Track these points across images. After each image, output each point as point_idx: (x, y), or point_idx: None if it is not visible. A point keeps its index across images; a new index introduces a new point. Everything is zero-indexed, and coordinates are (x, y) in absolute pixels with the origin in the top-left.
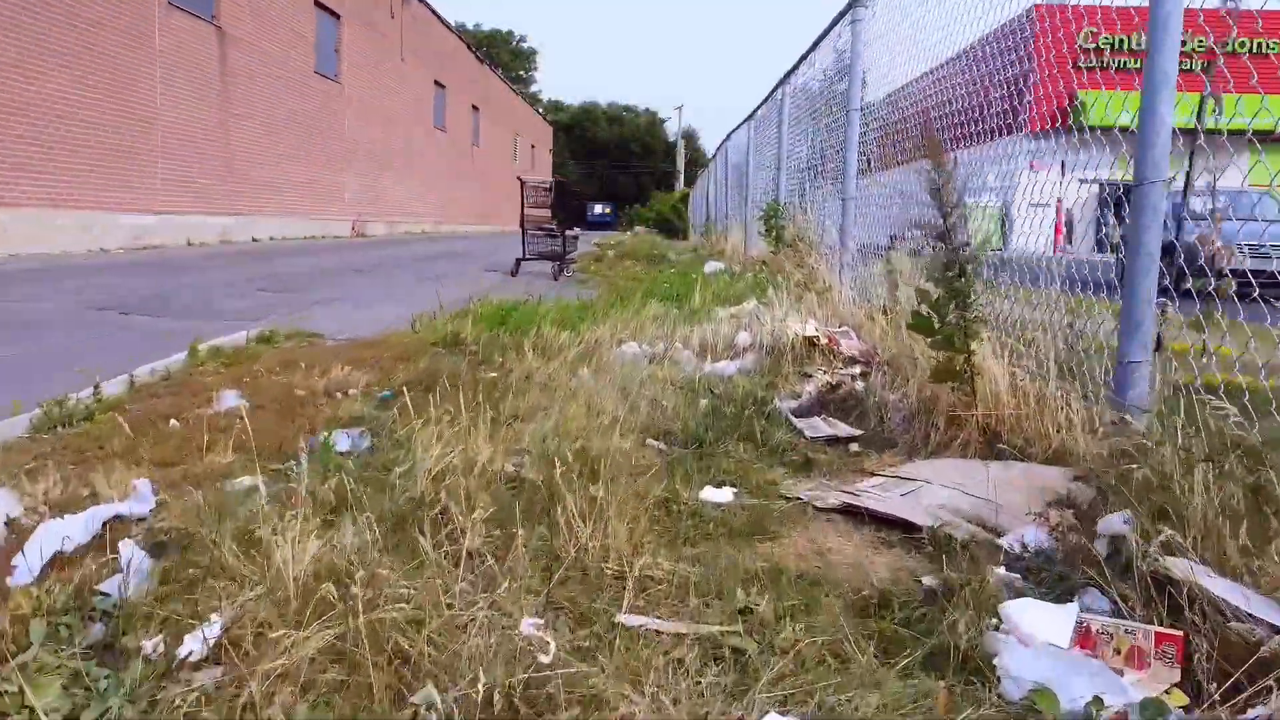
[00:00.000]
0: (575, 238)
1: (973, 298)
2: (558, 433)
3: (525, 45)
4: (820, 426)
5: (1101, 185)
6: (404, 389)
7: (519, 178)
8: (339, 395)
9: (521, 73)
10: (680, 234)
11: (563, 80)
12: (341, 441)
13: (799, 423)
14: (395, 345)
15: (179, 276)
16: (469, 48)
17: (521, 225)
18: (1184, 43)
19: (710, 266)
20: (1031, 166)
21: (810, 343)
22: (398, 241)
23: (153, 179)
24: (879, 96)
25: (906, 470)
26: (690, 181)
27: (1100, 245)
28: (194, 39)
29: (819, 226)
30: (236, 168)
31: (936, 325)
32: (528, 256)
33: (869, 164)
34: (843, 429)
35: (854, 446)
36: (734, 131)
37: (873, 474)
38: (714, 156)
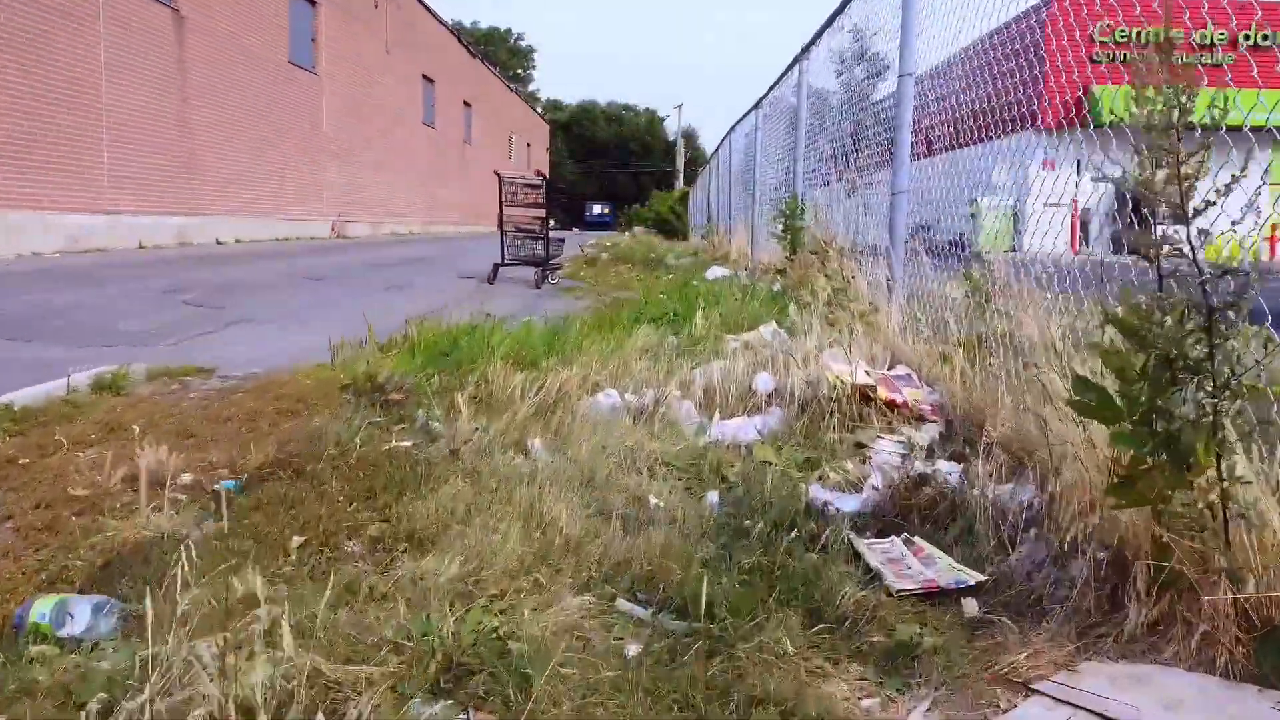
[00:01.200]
0: (560, 241)
1: (1234, 374)
2: (464, 586)
3: (523, 43)
4: (906, 561)
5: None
6: (264, 473)
7: (496, 172)
8: (157, 490)
9: (519, 71)
10: (679, 235)
11: (561, 80)
12: (74, 617)
13: (872, 554)
14: (294, 390)
15: (96, 287)
16: (460, 42)
17: (500, 227)
18: None
19: (713, 272)
20: (1045, 165)
21: (864, 395)
22: (377, 243)
23: (98, 175)
24: (943, 58)
25: (1095, 686)
26: (690, 181)
27: (1117, 245)
28: (146, 22)
29: (852, 226)
30: (197, 164)
31: (1135, 411)
32: (507, 261)
33: (929, 146)
34: (947, 570)
35: (970, 605)
36: (739, 122)
37: (1029, 687)
38: (716, 152)
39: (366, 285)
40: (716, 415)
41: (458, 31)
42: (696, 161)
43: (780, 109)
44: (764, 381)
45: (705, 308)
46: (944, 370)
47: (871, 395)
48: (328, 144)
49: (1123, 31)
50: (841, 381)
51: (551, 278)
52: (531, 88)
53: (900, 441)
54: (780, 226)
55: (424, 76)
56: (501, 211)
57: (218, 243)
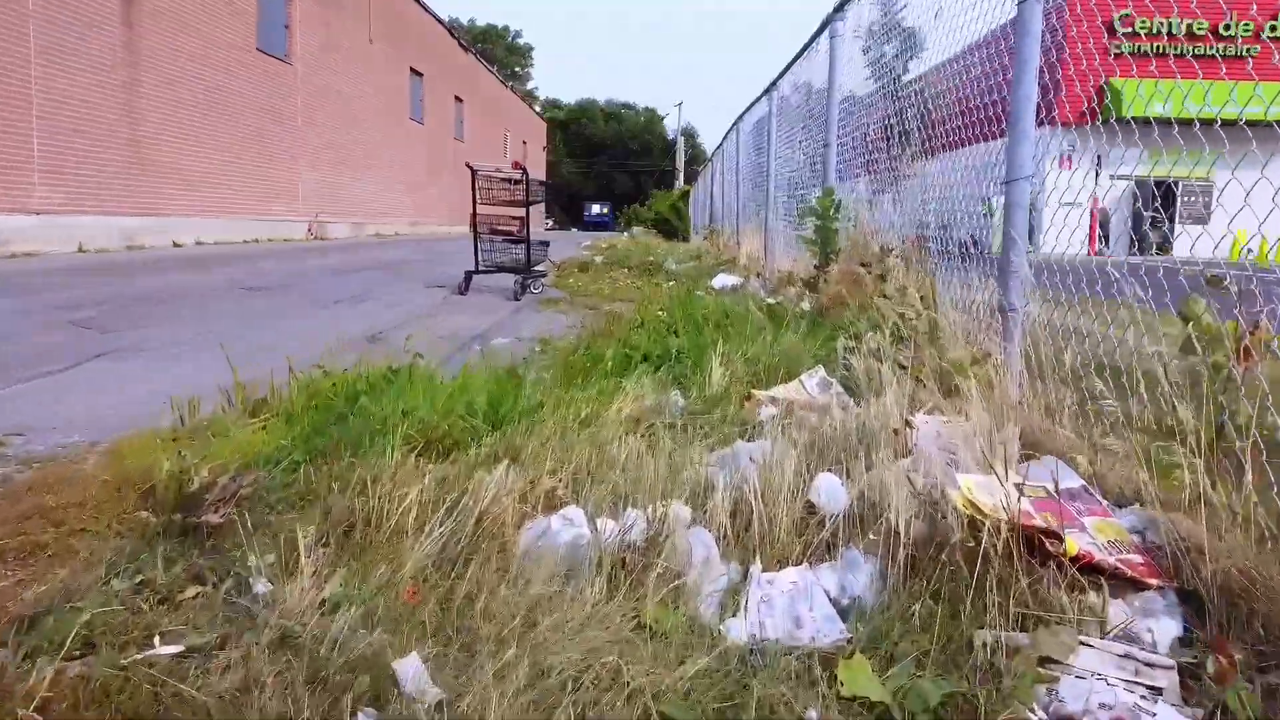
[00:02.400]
0: (544, 244)
1: None
2: None
3: (521, 40)
4: None
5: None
6: None
7: (468, 164)
8: None
9: (517, 69)
10: (680, 235)
11: (560, 79)
12: None
13: None
14: (73, 494)
15: None
16: (452, 34)
17: (473, 228)
18: None
19: (720, 281)
20: (1061, 164)
21: (1038, 545)
22: (355, 246)
23: (26, 171)
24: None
25: None
26: (690, 180)
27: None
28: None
29: (923, 227)
30: (151, 159)
31: None
32: (482, 268)
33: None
34: None
35: None
36: (748, 111)
37: None
38: (720, 146)
39: (314, 298)
40: (756, 562)
41: (449, 24)
42: (696, 161)
43: (801, 92)
44: (830, 491)
45: (720, 341)
46: (1138, 476)
47: (1052, 549)
48: (304, 139)
49: (1144, 22)
50: (977, 507)
51: (534, 287)
52: (530, 85)
53: (1123, 656)
54: (812, 227)
55: (412, 70)
56: (475, 210)
57: (175, 246)
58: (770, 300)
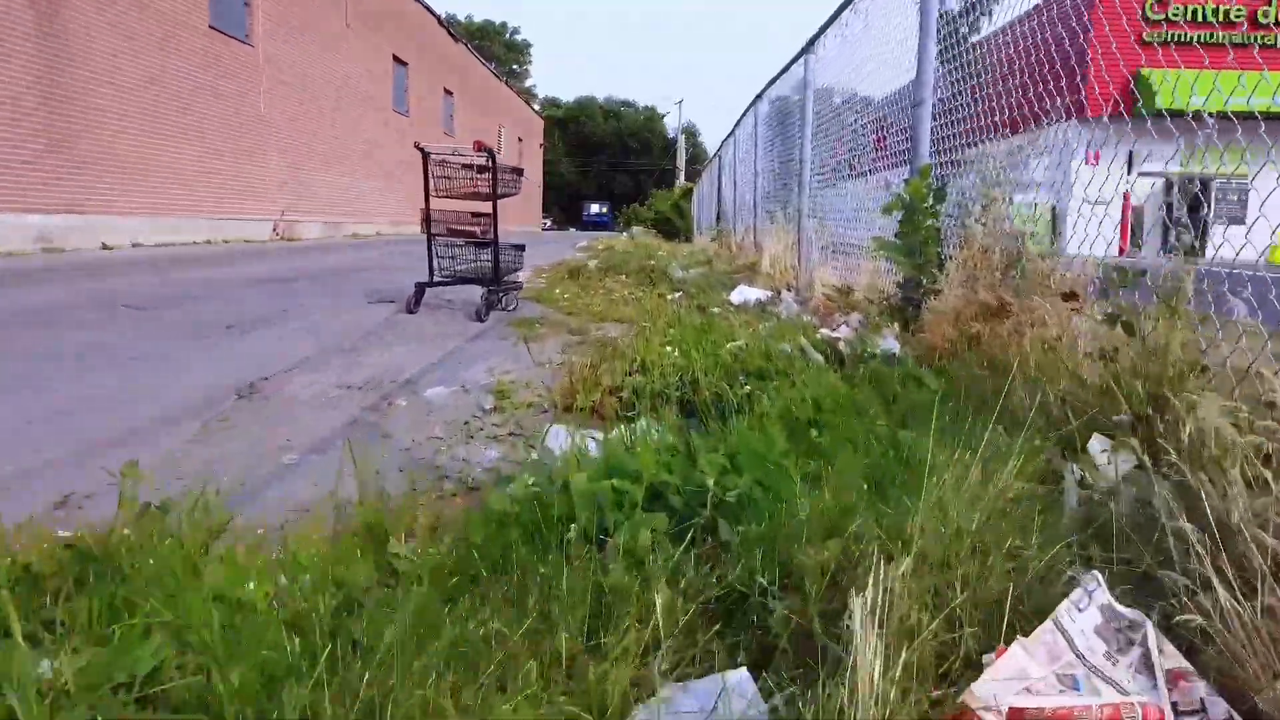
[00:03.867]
0: (519, 248)
1: None
2: None
3: (518, 38)
4: None
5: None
6: None
7: (417, 145)
8: None
9: (515, 66)
10: (682, 235)
11: (559, 77)
12: None
13: None
14: None
15: None
16: (441, 23)
17: (425, 227)
18: None
19: (741, 294)
20: (1088, 159)
21: None
22: (321, 248)
23: None
24: None
25: None
26: (691, 179)
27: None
28: None
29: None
30: (77, 150)
31: None
32: (438, 279)
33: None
34: None
35: None
36: (770, 85)
37: None
38: (732, 132)
39: (204, 320)
40: None
41: (438, 13)
42: (697, 159)
43: (851, 46)
44: None
45: (806, 445)
46: None
47: None
48: (269, 130)
49: (1176, 10)
50: None
51: (506, 302)
52: (528, 83)
53: None
54: (902, 226)
55: (395, 58)
56: (428, 205)
57: (105, 248)
58: (827, 332)
